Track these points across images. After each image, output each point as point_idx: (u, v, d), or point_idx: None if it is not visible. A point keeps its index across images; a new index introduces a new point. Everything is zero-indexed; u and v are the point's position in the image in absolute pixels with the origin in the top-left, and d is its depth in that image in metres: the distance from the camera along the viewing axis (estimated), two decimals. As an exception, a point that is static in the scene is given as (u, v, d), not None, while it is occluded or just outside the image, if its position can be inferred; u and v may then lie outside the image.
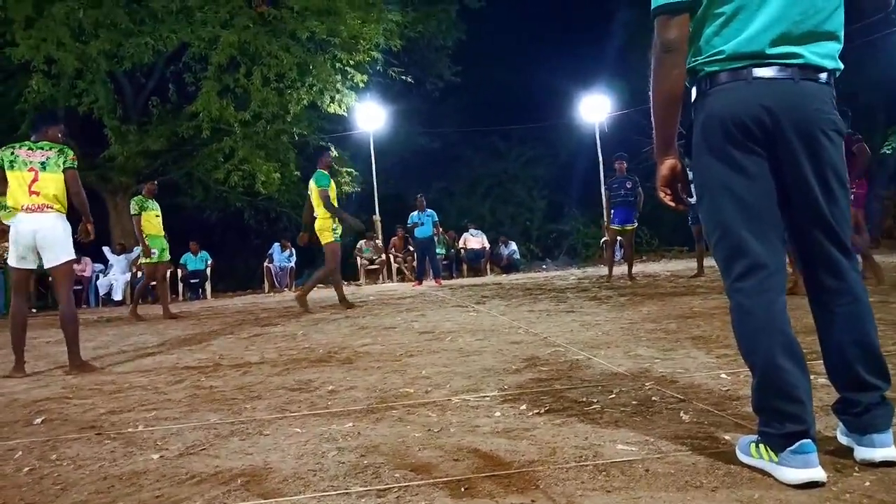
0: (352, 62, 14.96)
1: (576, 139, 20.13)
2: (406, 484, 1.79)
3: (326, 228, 7.53)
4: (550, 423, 2.29)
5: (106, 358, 4.82)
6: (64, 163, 4.37)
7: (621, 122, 18.52)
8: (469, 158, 22.75)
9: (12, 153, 4.33)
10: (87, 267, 13.86)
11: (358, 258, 15.21)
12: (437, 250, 14.84)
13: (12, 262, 4.37)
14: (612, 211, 9.43)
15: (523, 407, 2.52)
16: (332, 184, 7.69)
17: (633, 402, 2.48)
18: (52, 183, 4.32)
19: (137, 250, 8.36)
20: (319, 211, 7.53)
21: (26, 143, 4.43)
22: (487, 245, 15.87)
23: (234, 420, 2.65)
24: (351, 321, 6.17)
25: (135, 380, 3.74)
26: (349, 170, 17.60)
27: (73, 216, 4.51)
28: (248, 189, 16.10)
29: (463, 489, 1.72)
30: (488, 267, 15.82)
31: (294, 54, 14.40)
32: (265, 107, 14.72)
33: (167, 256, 8.65)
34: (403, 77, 16.54)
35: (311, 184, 7.63)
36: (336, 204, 7.59)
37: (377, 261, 15.13)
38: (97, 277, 13.88)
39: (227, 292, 15.03)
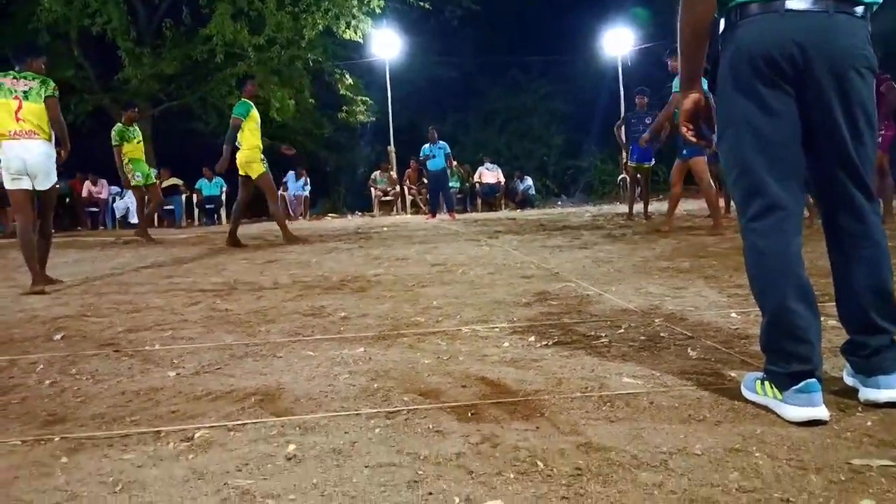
0: (369, -14, 14.58)
1: (597, 73, 19.64)
2: (414, 407, 1.83)
3: (254, 160, 6.92)
4: (558, 354, 2.32)
5: (124, 276, 4.90)
6: (46, 92, 4.54)
7: (645, 56, 18.01)
8: (486, 90, 22.28)
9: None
10: (104, 189, 13.97)
11: (372, 189, 15.19)
12: (451, 183, 14.76)
13: (7, 184, 4.53)
14: (630, 147, 9.13)
15: (532, 339, 2.55)
16: (253, 115, 7.00)
17: (641, 338, 2.50)
18: (36, 111, 4.50)
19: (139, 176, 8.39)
20: (244, 141, 6.92)
21: (11, 72, 4.57)
22: (503, 179, 15.75)
23: (248, 342, 2.71)
24: (364, 251, 6.21)
25: (152, 300, 3.82)
26: (364, 98, 17.38)
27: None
28: (263, 116, 15.96)
29: (469, 414, 1.76)
30: (503, 202, 15.76)
31: (309, -24, 14.03)
32: (280, 31, 14.43)
33: (153, 179, 8.85)
34: (421, 3, 16.07)
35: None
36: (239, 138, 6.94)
37: (391, 192, 15.10)
38: (114, 200, 13.99)
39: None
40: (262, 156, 6.98)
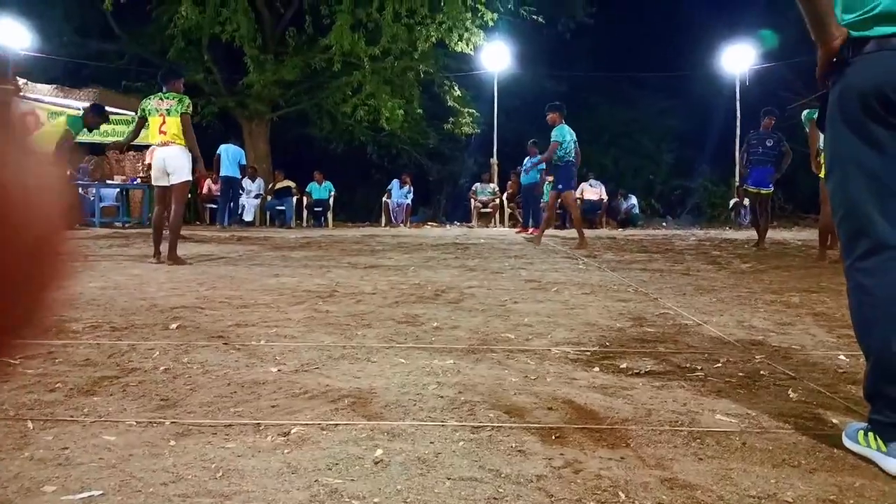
0: (483, -1, 14.76)
1: (713, 91, 18.89)
2: (499, 424, 1.86)
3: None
4: (649, 384, 2.28)
5: (236, 272, 5.21)
6: (181, 109, 5.83)
7: (766, 75, 17.20)
8: (596, 105, 21.93)
9: (148, 104, 5.90)
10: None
11: (472, 200, 15.31)
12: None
13: (153, 181, 6.04)
14: (748, 170, 8.38)
15: (623, 365, 2.52)
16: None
17: (739, 374, 2.41)
18: (174, 125, 5.82)
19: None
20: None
21: (158, 94, 5.94)
22: (605, 197, 15.46)
23: (345, 344, 2.82)
24: (460, 262, 6.29)
25: (260, 297, 4.04)
26: (470, 111, 17.56)
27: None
28: (373, 124, 16.48)
29: (553, 437, 1.77)
30: (604, 220, 15.47)
31: (427, -12, 14.38)
32: (394, 42, 14.85)
33: None
34: (534, 16, 16.09)
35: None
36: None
37: (491, 204, 15.17)
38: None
39: (346, 222, 15.66)
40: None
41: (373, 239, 9.85)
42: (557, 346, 2.84)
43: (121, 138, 7.68)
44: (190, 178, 5.98)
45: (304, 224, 14.49)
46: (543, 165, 11.72)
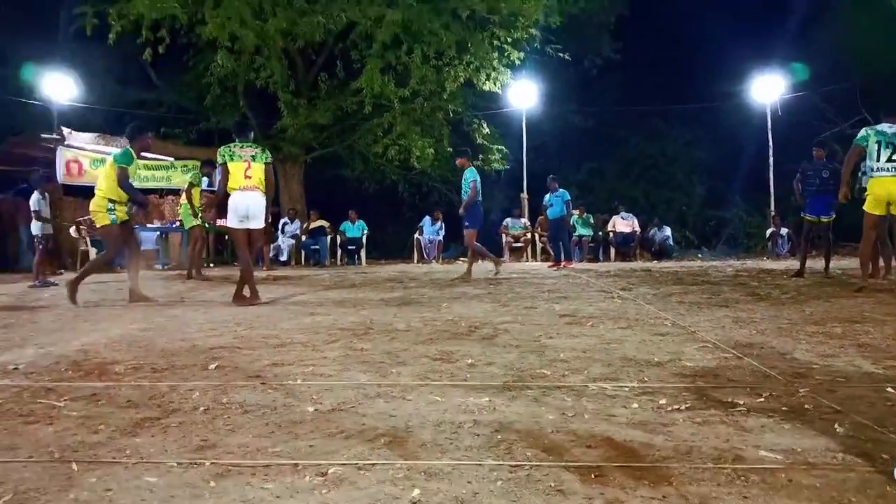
0: (510, 39, 14.98)
1: (743, 121, 18.74)
2: (537, 463, 1.84)
3: (101, 209, 6.36)
4: (690, 420, 2.23)
5: (273, 311, 5.28)
6: (265, 159, 6.22)
7: (796, 104, 17.03)
8: (624, 138, 21.93)
9: (230, 150, 6.13)
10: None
11: (503, 235, 15.33)
12: (582, 231, 14.61)
13: (234, 224, 6.12)
14: (807, 201, 8.54)
15: (663, 401, 2.48)
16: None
17: (783, 409, 2.35)
18: (258, 171, 6.14)
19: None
20: (100, 191, 6.43)
21: (237, 143, 6.23)
22: (638, 229, 15.34)
23: (380, 382, 2.83)
24: (493, 298, 6.28)
25: (296, 336, 4.08)
26: (499, 147, 17.70)
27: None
28: (404, 163, 16.71)
29: (593, 475, 1.74)
30: (638, 252, 15.33)
31: (454, 32, 14.64)
32: (423, 84, 15.12)
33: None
34: (561, 54, 16.27)
35: (109, 159, 6.63)
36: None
37: (522, 239, 15.17)
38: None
39: (379, 260, 15.78)
40: (112, 205, 6.36)
41: (405, 275, 9.89)
42: (594, 381, 2.81)
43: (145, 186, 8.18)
44: (264, 224, 6.29)
45: (339, 262, 14.64)
46: (569, 197, 11.76)
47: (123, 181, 6.29)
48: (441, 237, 15.36)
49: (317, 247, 14.56)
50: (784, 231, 15.07)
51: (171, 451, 2.00)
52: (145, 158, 13.23)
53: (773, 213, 15.96)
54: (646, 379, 2.85)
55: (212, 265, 12.55)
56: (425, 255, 15.04)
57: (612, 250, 15.33)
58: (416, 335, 4.08)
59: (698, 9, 19.90)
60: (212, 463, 1.89)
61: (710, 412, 2.33)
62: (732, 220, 19.87)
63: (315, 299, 6.41)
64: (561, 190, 11.75)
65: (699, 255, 16.31)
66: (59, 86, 14.02)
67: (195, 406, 2.50)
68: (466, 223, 9.15)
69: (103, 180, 6.40)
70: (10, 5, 15.06)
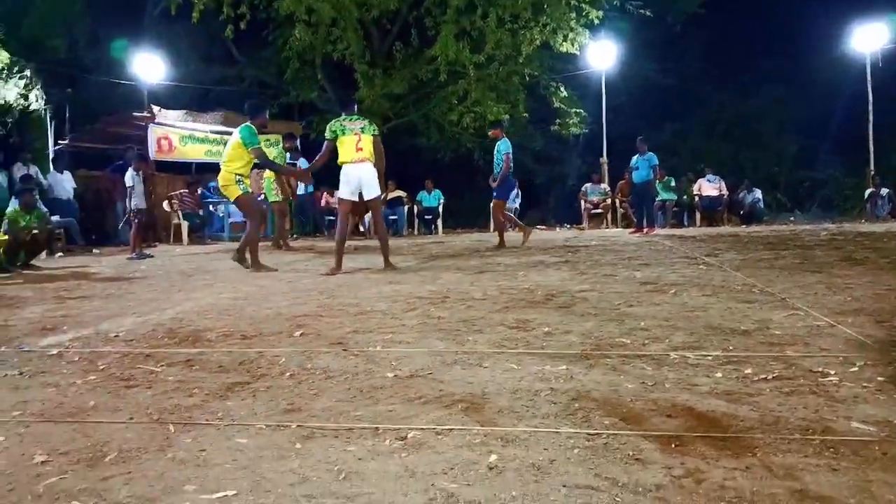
0: (587, -2, 14.53)
1: (839, 75, 17.51)
2: (615, 432, 1.82)
3: (230, 182, 6.64)
4: (777, 390, 2.15)
5: (354, 280, 5.41)
6: (373, 130, 6.30)
7: (901, 54, 15.75)
8: (709, 97, 20.93)
9: (341, 124, 6.19)
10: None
11: (582, 201, 15.05)
12: (666, 196, 14.13)
13: (345, 195, 6.27)
14: None
15: (748, 371, 2.40)
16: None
17: (879, 378, 2.23)
18: (369, 143, 6.20)
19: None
20: (228, 165, 6.69)
21: (344, 117, 6.28)
22: (726, 192, 14.70)
23: (457, 350, 2.86)
24: (570, 265, 6.21)
25: (376, 304, 4.17)
26: (577, 111, 17.31)
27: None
28: (479, 130, 16.60)
29: (673, 445, 1.71)
30: (726, 216, 14.74)
31: (530, -8, 14.33)
32: (498, 48, 14.91)
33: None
34: (642, 11, 15.64)
35: (235, 137, 6.75)
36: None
37: (602, 204, 14.85)
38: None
39: (456, 229, 15.84)
40: (240, 177, 6.62)
41: (481, 244, 9.90)
42: (676, 350, 2.74)
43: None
44: (380, 193, 6.42)
45: (416, 232, 14.79)
46: (656, 161, 11.36)
47: (263, 160, 6.77)
48: (517, 205, 15.23)
49: (394, 216, 14.74)
50: (884, 191, 14.11)
51: (260, 414, 2.09)
52: (230, 134, 13.70)
53: (872, 173, 14.94)
54: (731, 348, 2.76)
55: (295, 236, 12.95)
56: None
57: (698, 215, 14.78)
58: (492, 303, 4.09)
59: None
60: (297, 426, 1.97)
61: (799, 382, 2.23)
62: (827, 181, 18.78)
63: (393, 268, 6.51)
64: (649, 153, 11.34)
65: (791, 219, 15.53)
66: (147, 65, 14.64)
67: (282, 371, 2.61)
68: (496, 193, 9.20)
69: (228, 156, 6.70)
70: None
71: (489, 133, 9.44)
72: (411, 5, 15.79)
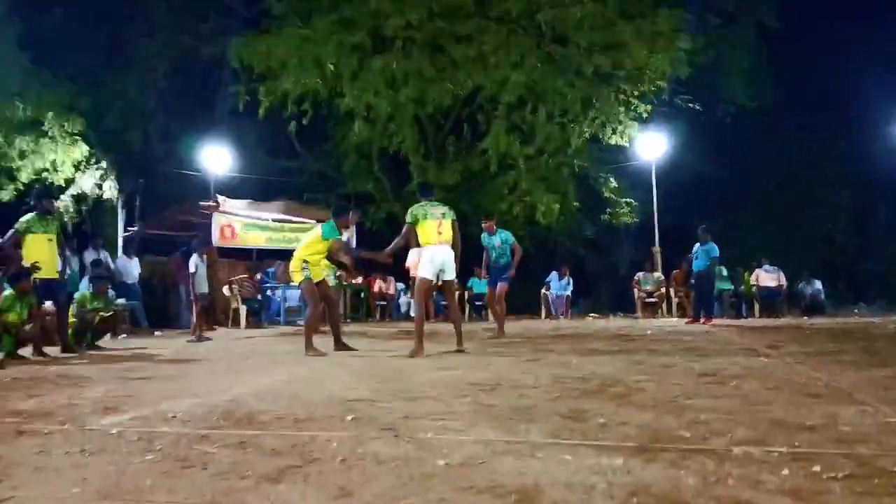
0: (636, 93, 14.87)
1: (893, 163, 17.21)
2: (676, 528, 1.75)
3: (296, 269, 7.03)
4: (849, 489, 2.04)
5: (405, 366, 5.41)
6: (452, 216, 6.64)
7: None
8: (763, 186, 20.79)
9: (423, 209, 6.55)
10: (391, 286, 15.61)
11: (636, 290, 14.86)
12: (722, 286, 13.82)
13: (427, 275, 6.54)
14: None
15: (817, 468, 2.28)
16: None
17: (963, 481, 2.09)
18: (447, 228, 6.56)
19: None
20: (299, 252, 7.13)
21: (426, 202, 6.66)
22: (784, 283, 14.34)
23: (509, 439, 2.81)
24: (626, 355, 6.08)
25: (426, 390, 4.15)
26: (628, 200, 17.39)
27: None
28: (529, 219, 16.80)
29: (739, 545, 1.63)
30: (786, 307, 14.30)
31: (578, 89, 14.76)
32: (548, 142, 15.29)
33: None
34: (691, 104, 15.90)
35: (316, 231, 7.26)
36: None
37: (656, 294, 14.62)
38: (399, 296, 15.57)
39: (506, 315, 15.76)
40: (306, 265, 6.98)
41: (532, 331, 9.82)
42: (739, 445, 2.63)
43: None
44: (455, 277, 6.80)
45: (466, 318, 14.78)
46: (716, 253, 11.15)
47: (346, 248, 7.36)
48: (569, 292, 15.14)
49: (445, 302, 14.81)
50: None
51: (311, 499, 2.09)
52: (291, 222, 14.21)
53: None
54: (797, 444, 2.64)
55: (348, 321, 13.11)
56: (553, 311, 14.86)
57: (757, 306, 14.39)
58: (545, 392, 4.03)
59: (838, 46, 18.81)
60: (349, 512, 1.95)
61: (874, 482, 2.11)
62: (893, 271, 18.12)
63: (443, 355, 6.50)
64: (710, 243, 11.19)
65: (855, 311, 14.95)
66: (215, 158, 15.51)
67: (333, 455, 2.61)
68: (503, 281, 9.34)
69: (303, 244, 7.18)
70: (173, 90, 16.95)
71: (483, 225, 9.43)
72: (464, 102, 16.45)
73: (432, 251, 6.47)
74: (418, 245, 6.77)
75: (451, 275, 6.63)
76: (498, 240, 9.23)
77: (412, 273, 10.32)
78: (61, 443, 2.90)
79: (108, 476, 2.38)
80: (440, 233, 6.47)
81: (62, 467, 2.51)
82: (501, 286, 9.32)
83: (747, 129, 20.27)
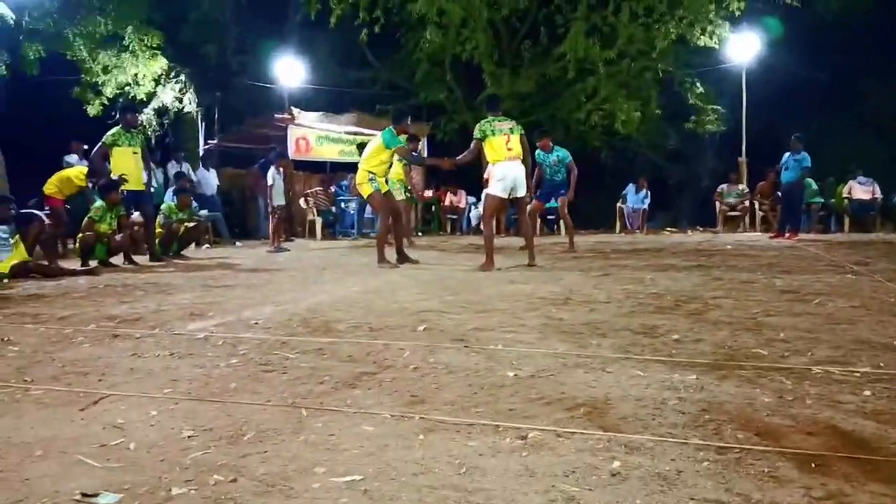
0: (729, -13, 13.77)
1: None
2: (749, 447, 1.72)
3: (364, 180, 6.99)
4: (939, 414, 1.95)
5: (475, 278, 5.46)
6: (520, 130, 6.47)
7: None
8: (863, 92, 19.17)
9: (490, 125, 6.39)
10: (462, 199, 15.60)
11: (717, 203, 14.29)
12: (813, 199, 13.11)
13: (497, 192, 6.41)
14: None
15: (903, 390, 2.19)
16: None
17: None
18: (516, 142, 6.38)
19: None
20: (364, 164, 7.04)
21: (493, 118, 6.49)
22: (879, 195, 13.45)
23: (579, 353, 2.82)
24: (703, 270, 5.92)
25: (497, 304, 4.19)
26: (714, 107, 16.48)
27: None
28: (607, 129, 16.20)
29: (813, 465, 1.60)
30: (879, 222, 13.49)
31: (665, -15, 13.79)
32: (631, 44, 14.49)
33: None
34: (788, 0, 14.61)
35: (378, 140, 7.05)
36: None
37: (739, 207, 14.03)
38: (469, 209, 15.56)
39: (580, 230, 15.55)
40: (373, 176, 6.94)
41: (606, 246, 9.67)
42: (819, 364, 2.55)
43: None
44: (527, 191, 6.76)
45: (538, 232, 14.68)
46: (808, 163, 10.51)
47: (408, 156, 7.41)
48: (646, 205, 14.72)
49: (516, 216, 14.72)
50: None
51: (385, 404, 2.17)
52: (363, 135, 14.25)
53: None
54: (882, 364, 2.53)
55: (420, 234, 13.27)
56: (628, 225, 14.53)
57: (847, 220, 13.63)
58: (617, 307, 3.99)
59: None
60: (420, 417, 2.02)
61: (967, 407, 2.01)
62: None
63: (514, 267, 6.51)
64: (803, 153, 10.53)
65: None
66: (288, 70, 15.54)
67: (406, 364, 2.69)
68: (562, 193, 9.00)
69: (367, 156, 7.09)
70: (246, 1, 16.89)
71: (538, 144, 8.86)
72: (541, 3, 15.68)
73: (504, 168, 6.33)
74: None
75: (522, 191, 6.51)
76: (554, 157, 8.93)
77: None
78: (152, 346, 3.10)
79: (196, 378, 2.54)
80: (510, 148, 6.32)
81: (153, 369, 2.69)
82: (562, 199, 9.10)
83: (850, 28, 18.55)
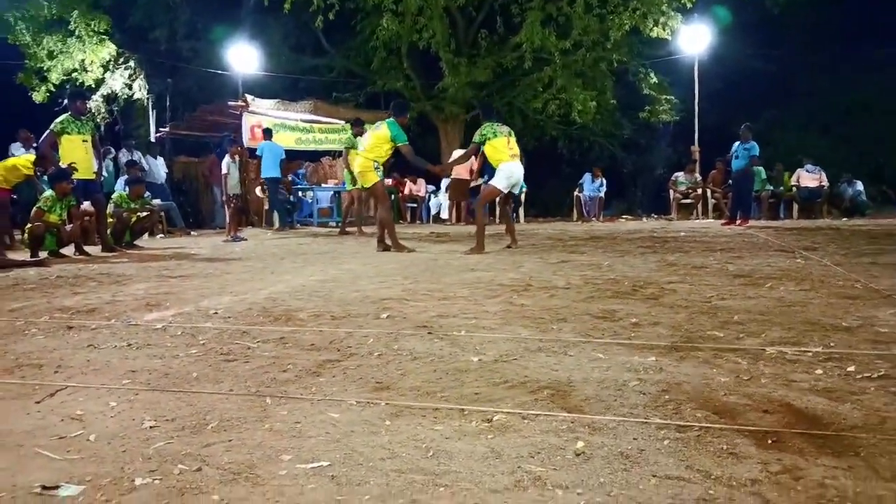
0: (680, -20, 14.02)
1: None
2: (708, 425, 1.78)
3: (369, 169, 7.22)
4: (884, 389, 2.04)
5: (436, 267, 5.47)
6: (513, 135, 6.92)
7: None
8: (810, 85, 19.76)
9: (493, 128, 6.81)
10: (422, 188, 15.57)
11: (671, 191, 14.60)
12: (763, 187, 13.49)
13: (502, 187, 6.86)
14: None
15: (851, 368, 2.28)
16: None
17: None
18: (515, 144, 6.90)
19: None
20: (368, 153, 7.25)
21: (493, 121, 6.91)
22: (826, 183, 13.92)
23: (541, 337, 2.85)
24: (658, 256, 6.05)
25: (458, 291, 4.21)
26: (668, 97, 16.77)
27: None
28: (564, 118, 16.36)
29: (769, 441, 1.65)
30: (825, 209, 13.97)
31: (619, -24, 13.96)
32: (586, 34, 14.64)
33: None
34: (739, -8, 14.95)
35: (382, 129, 7.20)
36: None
37: (692, 195, 14.36)
38: (429, 198, 15.55)
39: (538, 218, 15.71)
40: (378, 164, 7.24)
41: (564, 234, 9.79)
42: (773, 345, 2.63)
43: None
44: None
45: (496, 220, 14.78)
46: (757, 151, 10.82)
47: (410, 156, 7.30)
48: (602, 194, 14.95)
49: (501, 206, 14.78)
50: None
51: (350, 391, 2.16)
52: (320, 122, 14.07)
53: None
54: (832, 344, 2.63)
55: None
56: (585, 213, 14.74)
57: (796, 207, 14.08)
58: (576, 293, 4.05)
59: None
60: (386, 403, 2.02)
61: (910, 383, 2.10)
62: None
63: (474, 256, 6.54)
64: (752, 142, 10.82)
65: (899, 213, 14.53)
66: (242, 56, 15.23)
67: (370, 351, 2.68)
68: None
69: (370, 145, 7.21)
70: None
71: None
72: (498, -9, 15.69)
73: (510, 167, 6.80)
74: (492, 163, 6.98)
75: (518, 187, 7.19)
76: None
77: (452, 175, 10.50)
78: (108, 338, 3.02)
79: (156, 368, 2.49)
80: (511, 147, 6.82)
81: (111, 360, 2.63)
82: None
83: (798, 22, 19.07)
